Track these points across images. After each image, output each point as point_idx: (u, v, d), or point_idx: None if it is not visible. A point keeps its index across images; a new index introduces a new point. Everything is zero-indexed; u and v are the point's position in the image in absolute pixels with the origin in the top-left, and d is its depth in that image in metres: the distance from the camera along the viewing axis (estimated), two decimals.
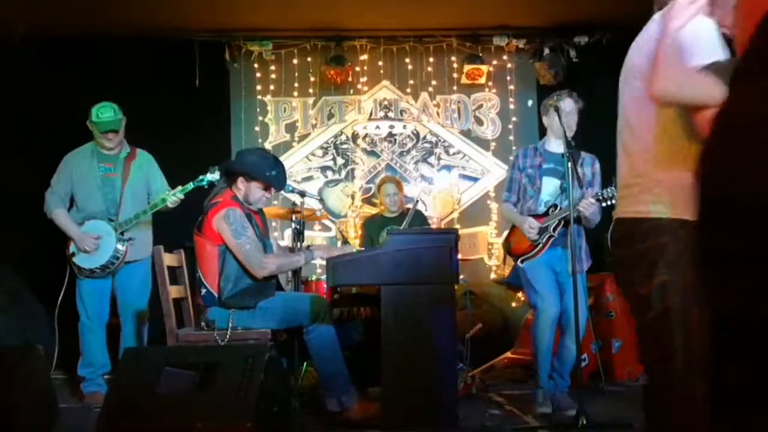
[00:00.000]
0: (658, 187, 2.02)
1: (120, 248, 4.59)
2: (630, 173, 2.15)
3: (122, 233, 4.61)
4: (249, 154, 4.15)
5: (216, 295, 3.81)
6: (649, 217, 2.02)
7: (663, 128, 2.03)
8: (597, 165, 4.26)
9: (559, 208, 4.13)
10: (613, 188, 3.96)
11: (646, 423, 2.05)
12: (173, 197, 4.53)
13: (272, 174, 3.97)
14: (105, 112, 4.68)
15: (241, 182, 3.94)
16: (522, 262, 4.25)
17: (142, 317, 4.71)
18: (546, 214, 4.17)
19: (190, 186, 4.50)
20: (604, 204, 4.03)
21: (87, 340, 4.64)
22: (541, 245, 4.16)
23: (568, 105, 4.19)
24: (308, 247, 4.27)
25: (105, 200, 4.68)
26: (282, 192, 4.76)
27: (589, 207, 4.00)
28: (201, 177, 4.48)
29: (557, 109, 4.06)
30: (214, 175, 4.43)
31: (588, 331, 4.87)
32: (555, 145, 4.25)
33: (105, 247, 4.59)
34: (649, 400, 2.03)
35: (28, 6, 5.64)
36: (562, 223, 4.11)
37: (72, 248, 4.62)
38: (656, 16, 2.14)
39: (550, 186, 4.21)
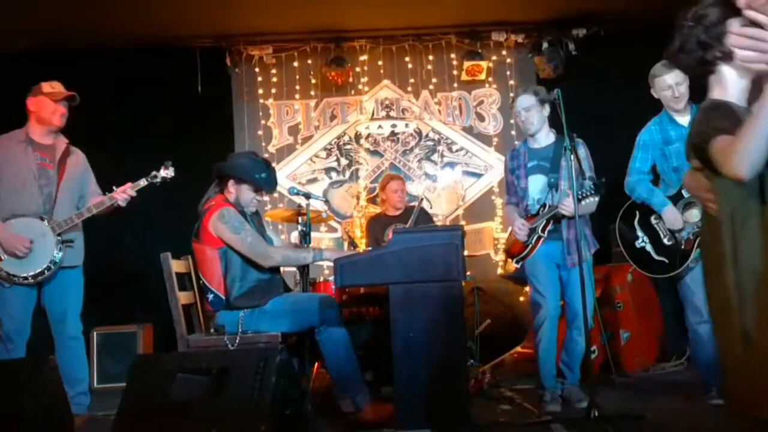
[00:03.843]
0: None
1: (57, 253, 4.02)
2: None
3: (59, 235, 4.02)
4: (239, 157, 4.18)
5: (224, 298, 3.83)
6: None
7: None
8: (582, 150, 4.12)
9: (547, 206, 4.09)
10: (590, 182, 3.93)
11: None
12: (123, 195, 4.10)
13: (262, 176, 4.00)
14: (58, 84, 4.23)
15: (231, 185, 3.98)
16: (517, 262, 4.26)
17: (77, 327, 4.22)
18: (537, 214, 4.16)
19: (143, 183, 4.14)
20: (583, 202, 3.90)
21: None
22: (531, 246, 4.15)
23: (522, 102, 4.18)
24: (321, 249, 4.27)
25: (41, 193, 4.06)
26: (287, 195, 4.77)
27: (569, 207, 3.87)
28: (154, 173, 4.16)
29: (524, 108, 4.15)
30: (168, 171, 4.16)
31: (596, 323, 4.89)
32: (533, 140, 4.24)
33: (40, 251, 3.98)
34: None
35: (30, 16, 5.67)
36: (551, 222, 4.09)
37: None
38: None
39: (537, 183, 4.18)
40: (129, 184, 4.17)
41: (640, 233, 4.12)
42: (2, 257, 3.95)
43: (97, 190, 4.31)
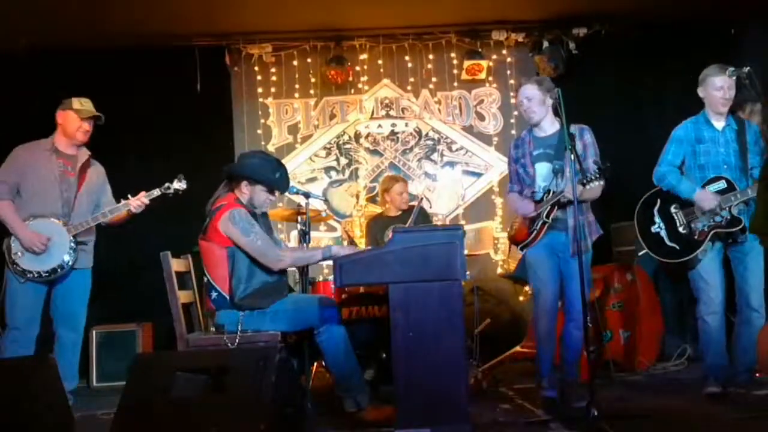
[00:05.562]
0: None
1: (70, 254, 4.31)
2: None
3: (75, 236, 4.33)
4: (251, 157, 4.15)
5: (228, 298, 3.81)
6: None
7: None
8: (587, 136, 4.12)
9: (552, 193, 4.08)
10: (594, 166, 3.89)
11: None
12: (137, 202, 4.39)
13: (276, 177, 3.98)
14: (88, 102, 4.53)
15: (245, 186, 3.95)
16: (522, 249, 4.26)
17: (81, 327, 4.52)
18: (541, 200, 4.15)
19: (156, 193, 4.43)
20: (588, 186, 3.84)
21: (12, 354, 4.15)
22: (535, 231, 4.15)
23: (525, 92, 4.17)
24: (329, 246, 4.25)
25: (61, 198, 4.36)
26: (286, 194, 4.77)
27: (572, 193, 3.80)
28: (167, 185, 4.44)
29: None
30: (181, 184, 4.44)
31: (596, 322, 4.89)
32: (538, 129, 4.22)
33: (56, 249, 4.27)
34: None
35: (30, 17, 5.66)
36: (556, 208, 4.08)
37: (14, 246, 4.26)
38: None
39: (543, 170, 4.16)
40: (143, 193, 4.44)
41: (657, 219, 4.32)
42: (20, 252, 4.25)
43: (112, 202, 4.57)
